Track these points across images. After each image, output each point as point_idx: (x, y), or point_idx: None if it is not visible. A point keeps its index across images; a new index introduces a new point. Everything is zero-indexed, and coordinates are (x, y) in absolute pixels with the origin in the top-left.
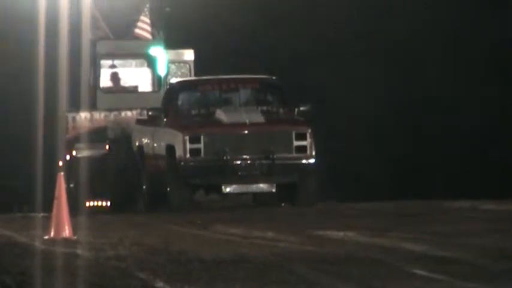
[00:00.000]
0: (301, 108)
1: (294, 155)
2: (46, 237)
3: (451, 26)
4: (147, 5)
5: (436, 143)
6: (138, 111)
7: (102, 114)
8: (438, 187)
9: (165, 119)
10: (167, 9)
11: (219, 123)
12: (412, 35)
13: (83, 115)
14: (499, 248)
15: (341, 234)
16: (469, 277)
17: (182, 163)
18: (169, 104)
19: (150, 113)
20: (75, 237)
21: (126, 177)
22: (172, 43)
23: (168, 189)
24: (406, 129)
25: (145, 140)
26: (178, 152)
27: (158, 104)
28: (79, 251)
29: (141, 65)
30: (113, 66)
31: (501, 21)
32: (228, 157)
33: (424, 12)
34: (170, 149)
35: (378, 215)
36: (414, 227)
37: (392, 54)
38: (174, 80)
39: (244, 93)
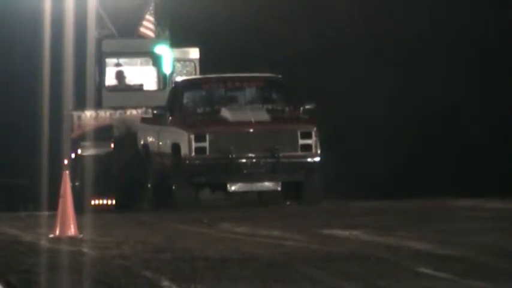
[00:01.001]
0: (306, 107)
1: (299, 153)
2: (51, 235)
3: (452, 26)
4: (152, 4)
5: (438, 142)
6: (144, 109)
7: (108, 113)
8: (441, 186)
9: (170, 118)
10: None
11: (224, 121)
12: (413, 34)
13: (89, 113)
14: (501, 246)
15: (346, 232)
16: (472, 275)
17: (187, 161)
18: (175, 103)
19: (155, 112)
20: (80, 236)
21: (131, 175)
22: (177, 41)
23: (173, 187)
24: (408, 128)
25: (150, 139)
26: (184, 151)
27: (163, 102)
28: (84, 250)
29: (147, 64)
30: (118, 64)
31: (501, 21)
32: (233, 155)
33: (425, 12)
34: (175, 147)
35: (383, 214)
36: (418, 226)
37: (394, 53)
38: (179, 79)
39: (249, 92)
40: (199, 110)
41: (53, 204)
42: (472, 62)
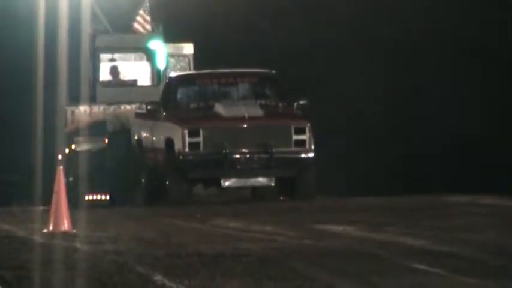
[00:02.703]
0: (300, 102)
1: (293, 149)
2: (45, 231)
3: (452, 25)
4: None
5: (436, 139)
6: (137, 105)
7: (102, 108)
8: (437, 182)
9: (164, 113)
10: None
11: (218, 117)
12: (412, 33)
13: (82, 109)
14: (497, 243)
15: (340, 228)
16: (467, 272)
17: (181, 157)
18: (168, 98)
19: (149, 107)
20: (74, 231)
21: (125, 171)
22: (171, 37)
23: (167, 183)
24: (406, 126)
25: (144, 134)
26: (177, 146)
27: (157, 97)
28: (78, 245)
29: (141, 59)
30: (112, 60)
31: (501, 22)
32: (227, 151)
33: (424, 12)
34: (169, 142)
35: (377, 210)
36: (413, 222)
37: (393, 52)
38: (173, 74)
39: (243, 87)
40: (193, 106)
41: (47, 199)
42: (472, 62)
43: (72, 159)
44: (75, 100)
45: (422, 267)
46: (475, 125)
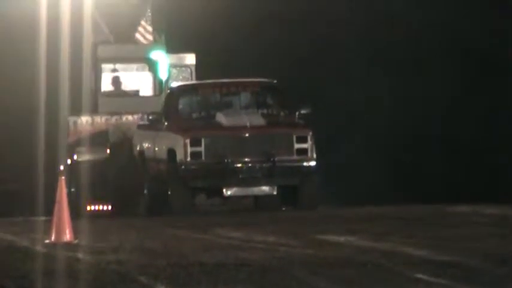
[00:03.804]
0: (302, 111)
1: (295, 157)
2: (47, 241)
3: (451, 27)
4: (149, 10)
5: (438, 147)
6: (139, 115)
7: (104, 118)
8: (440, 191)
9: (165, 123)
10: None
11: (219, 126)
12: (412, 35)
13: (84, 119)
14: (500, 252)
15: (342, 238)
16: (470, 281)
17: (183, 166)
18: (170, 108)
19: (151, 117)
20: (76, 241)
21: (127, 181)
22: (173, 47)
23: (169, 192)
24: (407, 133)
25: (146, 144)
26: (179, 156)
27: (159, 108)
28: (80, 255)
29: (143, 69)
30: (114, 70)
31: (502, 23)
32: (229, 160)
33: (425, 14)
34: (171, 152)
35: (379, 219)
36: (415, 231)
37: (394, 54)
38: (174, 84)
39: (244, 97)
40: (195, 115)
41: (49, 209)
42: (471, 64)
43: (74, 169)
44: (77, 110)
45: (424, 277)
46: (475, 127)
